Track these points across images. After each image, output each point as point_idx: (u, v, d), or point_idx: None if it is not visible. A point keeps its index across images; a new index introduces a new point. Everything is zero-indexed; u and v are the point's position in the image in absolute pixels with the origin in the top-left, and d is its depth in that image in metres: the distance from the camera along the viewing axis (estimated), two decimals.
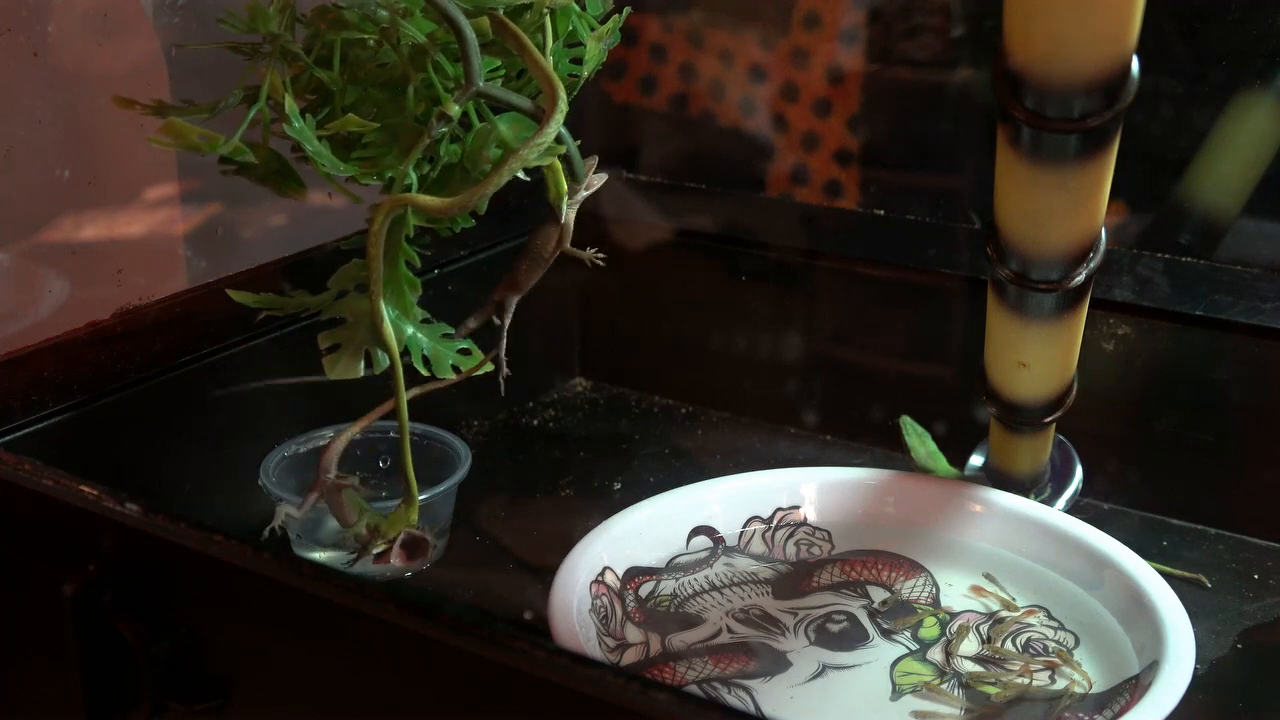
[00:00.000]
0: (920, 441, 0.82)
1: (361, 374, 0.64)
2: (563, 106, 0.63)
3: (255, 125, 0.64)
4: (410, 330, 0.65)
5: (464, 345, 0.67)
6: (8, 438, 0.69)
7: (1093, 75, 0.58)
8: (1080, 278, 0.67)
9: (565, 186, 0.69)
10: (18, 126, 0.77)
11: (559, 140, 0.65)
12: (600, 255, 0.72)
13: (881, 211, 0.95)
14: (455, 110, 0.63)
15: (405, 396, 0.64)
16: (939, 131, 0.95)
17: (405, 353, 0.65)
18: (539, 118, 0.64)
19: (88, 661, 0.57)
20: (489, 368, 0.70)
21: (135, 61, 0.82)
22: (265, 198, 0.68)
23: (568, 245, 0.71)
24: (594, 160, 0.71)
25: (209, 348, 0.77)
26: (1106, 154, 0.62)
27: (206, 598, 0.56)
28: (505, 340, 0.72)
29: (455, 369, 0.67)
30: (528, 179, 0.67)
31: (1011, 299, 0.69)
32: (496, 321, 0.72)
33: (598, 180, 0.71)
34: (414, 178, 0.64)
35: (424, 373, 0.66)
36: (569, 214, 0.70)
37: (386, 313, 0.63)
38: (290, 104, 0.62)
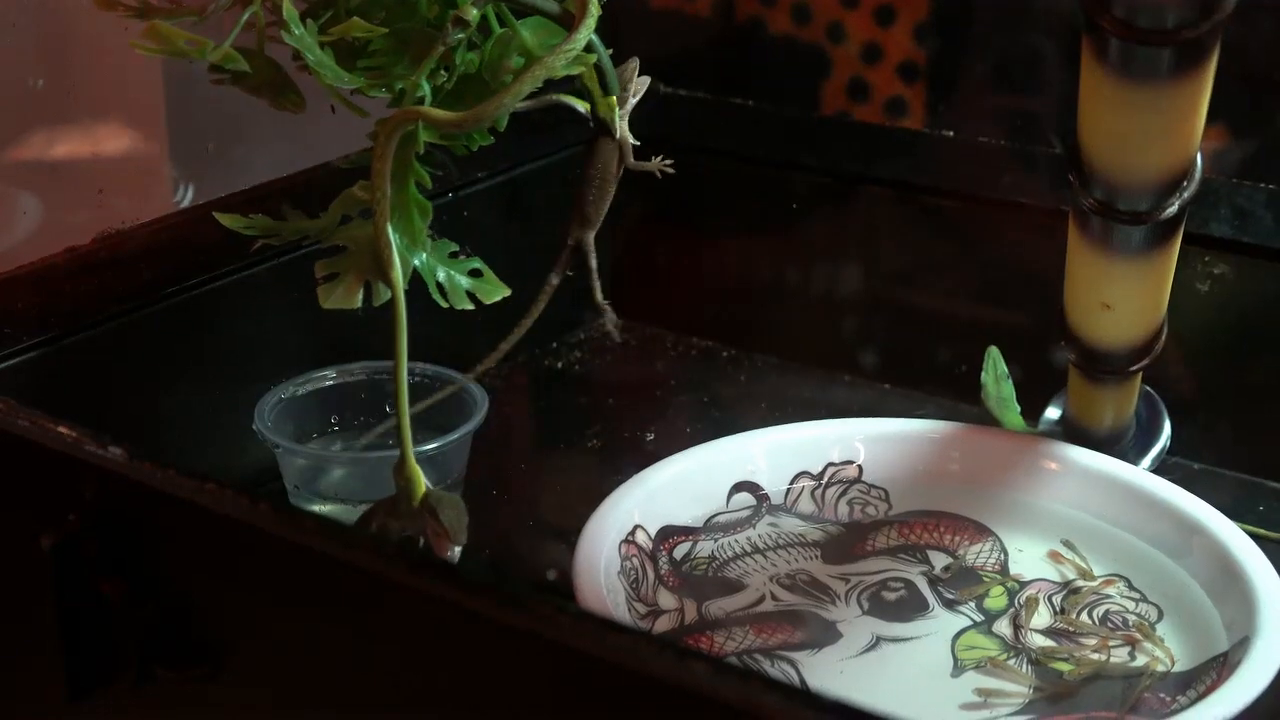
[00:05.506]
0: (996, 384, 0.80)
1: (359, 305, 0.64)
2: (594, 10, 0.63)
3: (250, 30, 0.64)
4: (420, 258, 0.65)
5: (475, 265, 0.67)
6: None
7: None
8: (1172, 209, 0.66)
9: (613, 99, 0.69)
10: None
11: (589, 49, 0.65)
12: (669, 163, 0.72)
13: (951, 133, 0.94)
14: (473, 14, 0.63)
15: (405, 332, 0.63)
16: (1017, 43, 0.94)
17: (418, 282, 0.65)
18: (567, 24, 0.64)
19: (67, 623, 0.58)
20: (506, 291, 0.69)
21: None
22: (261, 113, 0.68)
23: (631, 160, 0.71)
24: (634, 63, 0.71)
25: (201, 277, 0.78)
26: (1204, 70, 0.61)
27: (198, 553, 0.57)
28: (598, 282, 0.72)
29: (472, 297, 0.66)
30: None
31: (1096, 232, 0.69)
32: (570, 273, 0.72)
33: (642, 85, 0.71)
34: (427, 89, 0.64)
35: (442, 304, 0.66)
36: (623, 126, 0.70)
37: (394, 239, 0.63)
38: (289, 8, 0.62)
